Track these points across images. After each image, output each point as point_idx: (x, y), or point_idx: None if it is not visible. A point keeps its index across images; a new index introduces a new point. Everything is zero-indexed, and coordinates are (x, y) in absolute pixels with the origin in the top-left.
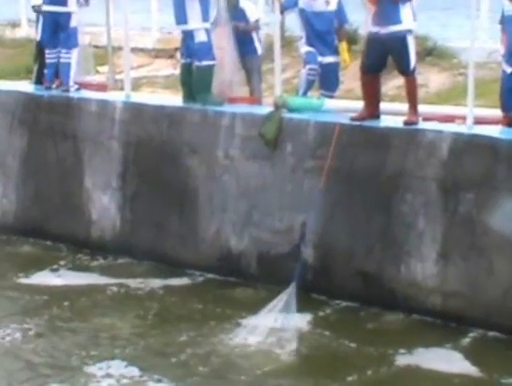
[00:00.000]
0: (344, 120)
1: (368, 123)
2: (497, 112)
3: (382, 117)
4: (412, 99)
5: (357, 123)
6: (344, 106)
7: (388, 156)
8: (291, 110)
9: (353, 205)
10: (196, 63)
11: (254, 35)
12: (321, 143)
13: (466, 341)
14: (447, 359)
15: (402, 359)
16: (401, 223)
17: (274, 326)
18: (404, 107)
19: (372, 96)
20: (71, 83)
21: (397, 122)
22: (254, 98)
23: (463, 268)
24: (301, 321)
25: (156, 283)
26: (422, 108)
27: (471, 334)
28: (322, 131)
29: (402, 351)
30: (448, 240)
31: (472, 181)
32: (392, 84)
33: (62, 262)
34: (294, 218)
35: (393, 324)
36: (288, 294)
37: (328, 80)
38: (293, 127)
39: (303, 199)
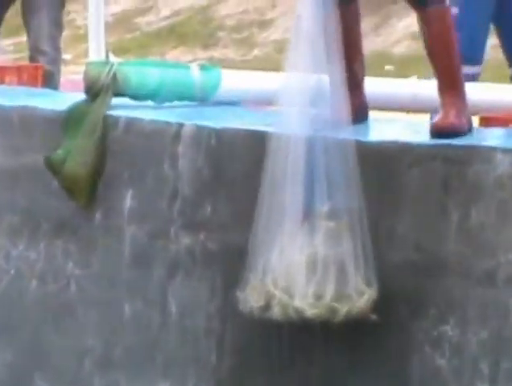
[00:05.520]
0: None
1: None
2: None
3: (374, 114)
4: (447, 66)
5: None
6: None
7: None
8: None
9: None
10: None
11: None
12: None
13: None
14: None
15: None
16: None
17: None
18: (430, 86)
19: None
20: None
21: (415, 127)
22: None
23: None
24: None
25: None
26: (473, 89)
27: None
28: None
29: None
30: None
31: None
32: (402, 25)
33: None
34: None
35: None
36: None
37: None
38: None
39: None
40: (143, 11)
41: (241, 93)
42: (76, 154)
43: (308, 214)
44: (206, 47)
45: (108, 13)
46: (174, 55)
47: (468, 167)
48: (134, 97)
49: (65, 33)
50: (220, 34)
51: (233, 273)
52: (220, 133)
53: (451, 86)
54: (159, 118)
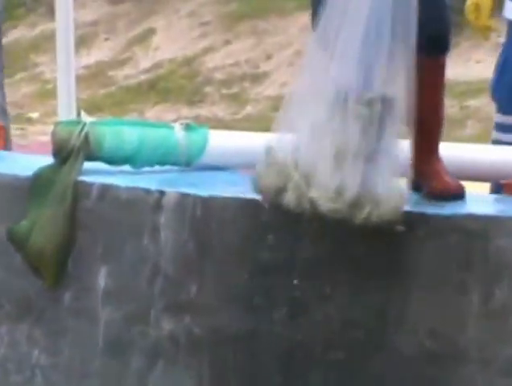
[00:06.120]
0: None
1: None
2: None
3: None
4: (432, 122)
5: None
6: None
7: None
8: None
9: None
10: None
11: None
12: None
13: None
14: None
15: None
16: None
17: None
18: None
19: None
20: None
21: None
22: None
23: None
24: None
25: None
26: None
27: None
28: None
29: None
30: None
31: None
32: None
33: None
34: None
35: None
36: None
37: None
38: None
39: None
40: (120, 63)
41: (230, 156)
42: (43, 226)
43: (346, 96)
44: (191, 103)
45: (79, 65)
46: (155, 113)
47: (491, 241)
48: (109, 161)
49: (32, 88)
50: (208, 89)
51: (222, 362)
52: (207, 202)
53: (436, 147)
54: (138, 185)
